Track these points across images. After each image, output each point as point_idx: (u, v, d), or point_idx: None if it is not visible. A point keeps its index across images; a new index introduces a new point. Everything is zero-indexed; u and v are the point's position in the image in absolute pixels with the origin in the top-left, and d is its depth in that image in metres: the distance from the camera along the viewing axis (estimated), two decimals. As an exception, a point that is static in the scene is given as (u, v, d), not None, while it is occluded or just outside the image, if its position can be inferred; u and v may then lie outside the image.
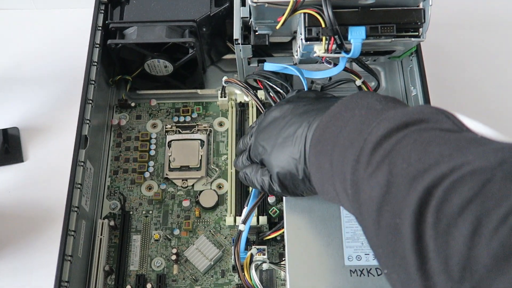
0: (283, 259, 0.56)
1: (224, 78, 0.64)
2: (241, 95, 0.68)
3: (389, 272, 0.34)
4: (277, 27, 0.50)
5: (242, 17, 0.57)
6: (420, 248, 0.30)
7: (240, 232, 0.54)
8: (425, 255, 0.30)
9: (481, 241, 0.27)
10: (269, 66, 0.58)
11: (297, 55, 0.57)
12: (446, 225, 0.29)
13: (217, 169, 0.67)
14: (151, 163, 0.67)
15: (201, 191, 0.65)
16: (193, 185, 0.66)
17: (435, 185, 0.30)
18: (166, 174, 0.66)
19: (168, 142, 0.68)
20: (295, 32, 0.56)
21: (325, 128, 0.42)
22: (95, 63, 0.64)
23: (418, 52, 0.63)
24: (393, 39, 0.51)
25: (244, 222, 0.54)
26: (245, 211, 0.55)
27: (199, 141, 0.68)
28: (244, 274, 0.54)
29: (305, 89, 0.58)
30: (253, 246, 0.57)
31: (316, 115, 0.45)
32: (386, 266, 0.34)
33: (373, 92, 0.44)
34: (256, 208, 0.61)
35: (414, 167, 0.32)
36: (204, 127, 0.69)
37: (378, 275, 0.48)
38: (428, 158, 0.32)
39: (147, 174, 0.66)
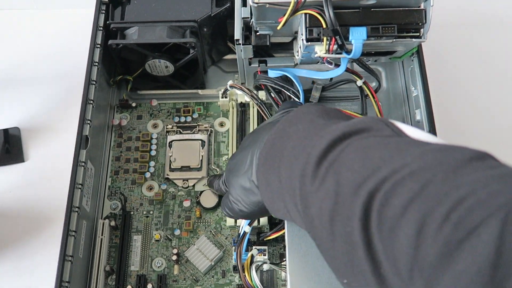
0: (284, 259, 0.56)
1: (229, 82, 0.64)
2: (242, 96, 0.68)
3: (349, 282, 0.34)
4: (278, 27, 0.50)
5: (243, 18, 0.56)
6: (371, 253, 0.31)
7: (244, 234, 0.54)
8: (377, 259, 0.31)
9: (426, 240, 0.28)
10: (272, 73, 0.59)
11: (298, 56, 0.57)
12: (389, 227, 0.30)
13: (217, 169, 0.67)
14: (152, 163, 0.67)
15: (201, 192, 0.65)
16: (194, 186, 0.66)
17: (377, 189, 0.31)
18: (167, 175, 0.66)
19: (169, 143, 0.68)
20: (296, 32, 0.56)
21: (271, 145, 0.42)
22: (96, 63, 0.64)
23: (419, 52, 0.63)
24: (394, 40, 0.51)
25: (250, 224, 0.54)
26: None
27: (200, 142, 0.68)
28: (245, 275, 0.54)
29: (300, 90, 0.58)
30: (253, 247, 0.57)
31: (268, 132, 0.45)
32: (345, 276, 0.34)
33: (317, 105, 0.44)
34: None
35: (358, 174, 0.33)
36: (205, 127, 0.69)
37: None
38: (370, 163, 0.33)
39: (147, 175, 0.66)
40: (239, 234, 0.57)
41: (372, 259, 0.31)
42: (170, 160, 0.66)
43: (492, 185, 0.28)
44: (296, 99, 0.59)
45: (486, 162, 0.30)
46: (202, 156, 0.67)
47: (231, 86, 0.64)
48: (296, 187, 0.37)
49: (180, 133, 0.69)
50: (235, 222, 0.62)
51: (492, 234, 0.26)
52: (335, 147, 0.36)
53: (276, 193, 0.41)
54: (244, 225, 0.56)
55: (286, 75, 0.59)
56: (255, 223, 0.60)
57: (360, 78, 0.60)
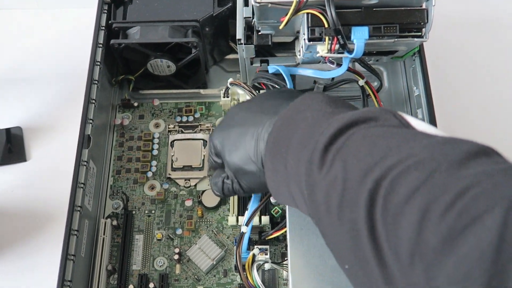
0: (285, 258, 0.56)
1: (230, 80, 0.64)
2: (244, 95, 0.68)
3: (350, 267, 0.35)
4: (280, 27, 0.50)
5: (245, 17, 0.57)
6: (374, 238, 0.31)
7: (242, 234, 0.54)
8: (379, 245, 0.31)
9: (429, 226, 0.28)
10: (271, 69, 0.59)
11: (300, 55, 0.57)
12: (393, 214, 0.30)
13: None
14: (154, 162, 0.67)
15: (203, 191, 0.65)
16: (195, 185, 0.66)
17: (383, 176, 0.32)
18: (169, 174, 0.66)
19: (171, 142, 0.68)
20: (298, 32, 0.56)
21: (278, 132, 0.42)
22: (98, 63, 0.64)
23: (420, 52, 0.63)
24: (396, 39, 0.51)
25: (246, 224, 0.54)
26: (247, 213, 0.55)
27: (202, 141, 0.68)
28: (246, 274, 0.54)
29: (290, 88, 0.58)
30: (255, 246, 0.57)
31: (272, 116, 0.45)
32: (348, 261, 0.35)
33: (323, 94, 0.45)
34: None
35: (364, 162, 0.33)
36: (207, 127, 0.69)
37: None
38: (377, 152, 0.33)
39: (149, 174, 0.66)
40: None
41: (374, 244, 0.31)
42: (172, 160, 0.67)
43: (497, 178, 0.28)
44: None
45: (491, 157, 0.31)
46: (204, 155, 0.67)
47: (231, 84, 0.64)
48: (302, 174, 0.38)
49: (182, 132, 0.69)
50: (237, 221, 0.62)
51: (496, 221, 0.26)
52: (342, 134, 0.36)
53: (282, 179, 0.41)
54: (242, 225, 0.56)
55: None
56: (257, 223, 0.60)
57: (362, 77, 0.60)
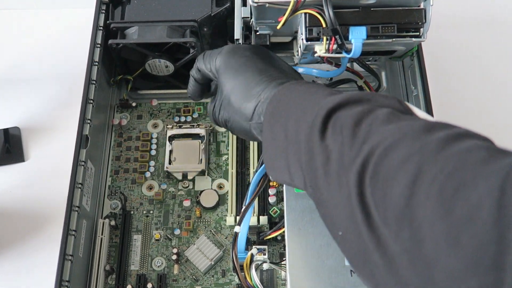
0: (284, 259, 0.56)
1: None
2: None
3: (343, 234, 0.36)
4: (278, 27, 0.50)
5: (243, 17, 0.56)
6: (363, 202, 0.32)
7: (236, 234, 0.54)
8: (368, 210, 0.32)
9: (422, 189, 0.29)
10: None
11: (298, 55, 0.57)
12: (384, 179, 0.31)
13: (217, 169, 0.67)
14: (152, 163, 0.67)
15: (201, 191, 0.65)
16: (194, 183, 0.66)
17: (379, 144, 0.32)
18: (166, 168, 0.66)
19: (169, 137, 0.68)
20: (296, 32, 0.56)
21: (278, 101, 0.43)
22: (96, 63, 0.64)
23: (419, 52, 0.63)
24: (394, 39, 0.51)
25: (239, 223, 0.54)
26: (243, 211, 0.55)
27: (199, 142, 0.68)
28: (244, 275, 0.54)
29: None
30: (253, 246, 0.57)
31: (273, 79, 0.46)
32: (341, 228, 0.36)
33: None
34: (256, 209, 0.61)
35: (364, 130, 0.34)
36: (205, 127, 0.69)
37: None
38: (376, 124, 0.34)
39: (148, 174, 0.66)
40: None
41: (363, 209, 0.32)
42: (169, 157, 0.66)
43: (490, 151, 0.29)
44: None
45: (486, 140, 0.31)
46: (202, 155, 0.66)
47: None
48: (302, 140, 0.38)
49: (180, 127, 0.69)
50: (235, 221, 0.62)
51: (490, 187, 0.26)
52: (345, 106, 0.37)
53: (280, 148, 0.41)
54: (236, 225, 0.55)
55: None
56: (255, 223, 0.60)
57: (361, 77, 0.60)
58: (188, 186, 0.66)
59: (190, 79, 0.55)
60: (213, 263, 0.60)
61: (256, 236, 0.60)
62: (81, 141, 0.59)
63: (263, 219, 0.60)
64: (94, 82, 0.63)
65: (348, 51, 0.50)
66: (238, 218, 0.55)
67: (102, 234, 0.60)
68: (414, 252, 0.29)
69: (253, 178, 0.53)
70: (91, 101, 0.62)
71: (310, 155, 0.37)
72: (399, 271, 0.30)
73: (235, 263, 0.53)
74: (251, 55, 0.50)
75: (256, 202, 0.61)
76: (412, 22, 0.50)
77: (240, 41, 0.57)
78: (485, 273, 0.25)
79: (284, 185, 0.54)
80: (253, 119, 0.46)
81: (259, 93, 0.45)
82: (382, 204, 0.31)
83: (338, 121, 0.36)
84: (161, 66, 0.67)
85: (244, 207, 0.54)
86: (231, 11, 0.65)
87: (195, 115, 0.70)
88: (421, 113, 0.38)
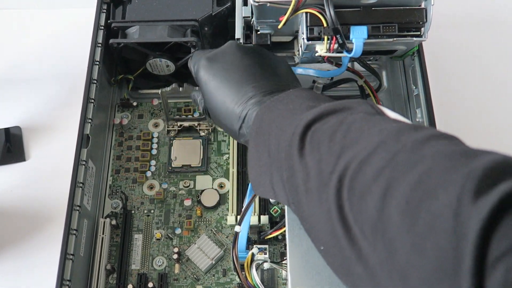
0: (285, 258, 0.56)
1: None
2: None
3: (326, 248, 0.36)
4: (279, 26, 0.50)
5: (244, 17, 0.57)
6: (342, 217, 0.33)
7: (236, 234, 0.54)
8: (347, 222, 0.33)
9: (391, 202, 0.30)
10: None
11: (299, 55, 0.57)
12: (360, 193, 0.32)
13: (218, 168, 0.67)
14: (153, 162, 0.67)
15: (202, 191, 0.65)
16: (194, 182, 0.66)
17: (353, 159, 0.34)
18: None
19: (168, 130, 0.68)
20: (297, 31, 0.56)
21: (261, 120, 0.43)
22: (97, 63, 0.64)
23: (419, 51, 0.63)
24: (395, 39, 0.51)
25: (239, 223, 0.54)
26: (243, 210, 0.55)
27: (200, 141, 0.68)
28: (245, 274, 0.54)
29: None
30: (254, 245, 0.57)
31: (251, 97, 0.46)
32: (323, 243, 0.37)
33: (308, 90, 0.46)
34: (256, 208, 0.61)
35: (339, 145, 0.35)
36: (206, 126, 0.69)
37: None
38: (349, 136, 0.35)
39: (149, 173, 0.66)
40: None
41: (343, 223, 0.33)
42: (171, 159, 0.66)
43: (454, 157, 0.29)
44: None
45: (452, 140, 0.32)
46: (202, 155, 0.67)
47: None
48: (283, 158, 0.39)
49: (180, 119, 0.69)
50: (236, 221, 0.62)
51: (449, 197, 0.27)
52: (319, 120, 0.38)
53: (264, 166, 0.42)
54: (236, 225, 0.55)
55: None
56: (256, 222, 0.60)
57: (361, 77, 0.60)
58: (189, 186, 0.66)
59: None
60: (214, 262, 0.60)
61: (257, 236, 0.60)
62: (82, 140, 0.59)
63: (264, 218, 0.60)
64: (95, 81, 0.63)
65: (349, 50, 0.50)
66: (238, 217, 0.55)
67: (103, 234, 0.61)
68: (390, 263, 0.30)
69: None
70: (92, 101, 0.62)
71: (291, 173, 0.38)
72: (380, 282, 0.31)
73: (236, 263, 0.53)
74: (232, 62, 0.49)
75: (257, 201, 0.62)
76: (413, 21, 0.50)
77: (241, 41, 0.57)
78: (447, 280, 0.26)
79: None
80: (240, 137, 0.47)
81: (238, 114, 0.46)
82: (359, 217, 0.32)
83: (315, 136, 0.37)
84: (162, 65, 0.67)
85: (244, 207, 0.54)
86: (232, 10, 0.65)
87: (196, 115, 0.70)
88: (392, 114, 0.39)
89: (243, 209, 0.54)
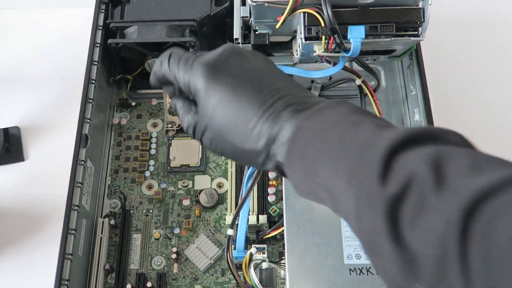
0: (283, 257, 0.56)
1: None
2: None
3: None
4: (277, 26, 0.50)
5: (242, 17, 0.57)
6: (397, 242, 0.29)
7: (229, 237, 0.53)
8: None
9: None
10: None
11: (297, 55, 0.57)
12: (499, 255, 0.26)
13: (217, 168, 0.67)
14: (152, 162, 0.67)
15: (201, 190, 0.65)
16: (193, 182, 0.66)
17: (477, 203, 0.27)
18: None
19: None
20: (295, 31, 0.56)
21: (304, 138, 0.36)
22: (96, 63, 0.64)
23: (417, 51, 0.63)
24: (392, 39, 0.51)
25: (231, 226, 0.53)
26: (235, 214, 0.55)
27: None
28: (243, 274, 0.54)
29: None
30: (252, 245, 0.57)
31: (279, 110, 0.37)
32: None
33: (347, 104, 0.37)
34: (255, 207, 0.61)
35: (453, 182, 0.29)
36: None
37: (377, 273, 0.48)
38: (459, 174, 0.29)
39: (147, 173, 0.66)
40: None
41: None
42: (169, 159, 0.66)
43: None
44: None
45: None
46: (201, 155, 0.67)
47: None
48: (343, 182, 0.33)
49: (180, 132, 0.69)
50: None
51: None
52: (412, 144, 0.31)
53: (314, 187, 0.36)
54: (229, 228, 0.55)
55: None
56: (254, 222, 0.60)
57: (359, 77, 0.60)
58: (187, 185, 0.66)
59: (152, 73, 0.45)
60: (212, 262, 0.60)
61: (255, 235, 0.60)
62: (81, 140, 0.59)
63: (262, 218, 0.60)
64: (93, 81, 0.63)
65: (346, 50, 0.50)
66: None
67: (101, 233, 0.61)
68: None
69: (244, 180, 0.53)
70: (91, 101, 0.62)
71: (367, 200, 0.32)
72: None
73: (231, 265, 0.53)
74: (241, 75, 0.39)
75: (255, 201, 0.62)
76: (411, 21, 0.50)
77: (240, 41, 0.57)
78: None
79: (283, 184, 0.55)
80: (266, 164, 0.38)
81: (267, 132, 0.37)
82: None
83: (406, 166, 0.30)
84: (161, 65, 0.67)
85: (236, 208, 0.54)
86: (230, 10, 0.65)
87: (195, 115, 0.70)
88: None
89: (235, 212, 0.54)
